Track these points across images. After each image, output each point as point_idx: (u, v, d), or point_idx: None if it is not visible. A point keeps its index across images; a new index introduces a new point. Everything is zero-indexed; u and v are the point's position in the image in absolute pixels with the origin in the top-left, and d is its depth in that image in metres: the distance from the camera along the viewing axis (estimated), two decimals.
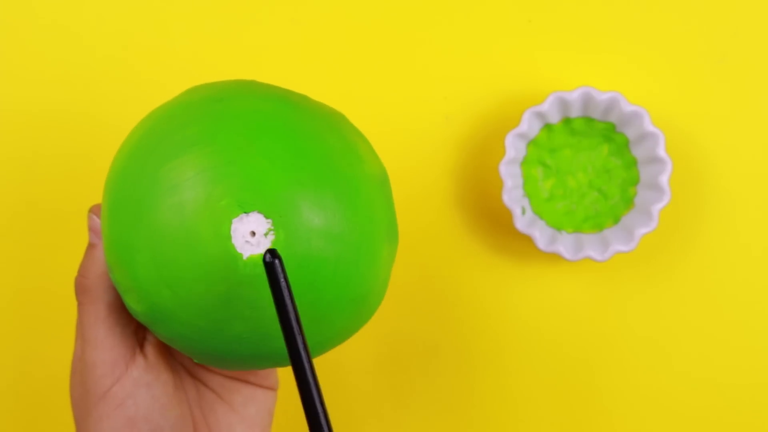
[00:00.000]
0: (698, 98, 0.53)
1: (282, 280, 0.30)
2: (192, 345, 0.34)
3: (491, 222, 0.54)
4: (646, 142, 0.50)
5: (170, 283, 0.32)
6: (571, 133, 0.52)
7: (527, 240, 0.54)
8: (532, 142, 0.52)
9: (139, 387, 0.36)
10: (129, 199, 0.33)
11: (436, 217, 0.54)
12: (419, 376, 0.54)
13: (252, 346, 0.34)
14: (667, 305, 0.53)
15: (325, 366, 0.54)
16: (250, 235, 0.32)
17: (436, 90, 0.54)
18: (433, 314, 0.54)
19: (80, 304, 0.37)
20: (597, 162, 0.52)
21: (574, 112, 0.51)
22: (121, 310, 0.37)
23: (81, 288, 0.37)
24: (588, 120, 0.51)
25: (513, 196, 0.50)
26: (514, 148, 0.50)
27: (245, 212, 0.32)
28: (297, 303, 0.33)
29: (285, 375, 0.54)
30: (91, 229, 0.37)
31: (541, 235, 0.50)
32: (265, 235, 0.32)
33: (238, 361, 0.35)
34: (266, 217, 0.32)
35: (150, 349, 0.37)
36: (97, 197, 0.54)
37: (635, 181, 0.52)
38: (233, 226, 0.32)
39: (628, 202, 0.52)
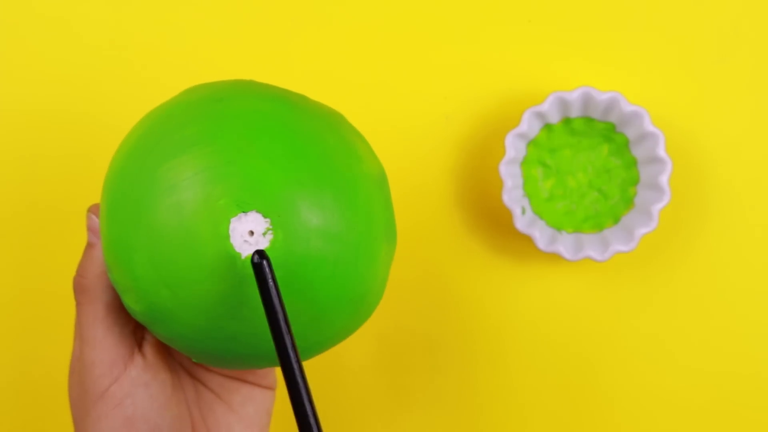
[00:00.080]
0: (698, 98, 0.53)
1: (270, 280, 0.30)
2: (190, 344, 0.34)
3: (491, 222, 0.54)
4: (646, 142, 0.50)
5: (169, 282, 0.32)
6: (571, 133, 0.52)
7: (527, 240, 0.54)
8: (532, 142, 0.52)
9: (138, 387, 0.36)
10: (128, 199, 0.33)
11: (436, 217, 0.54)
12: (418, 375, 0.54)
13: (250, 345, 0.33)
14: (667, 305, 0.53)
15: (323, 365, 0.54)
16: (249, 235, 0.32)
17: (436, 90, 0.54)
18: (433, 314, 0.54)
19: (79, 304, 0.37)
20: (597, 162, 0.52)
21: (574, 112, 0.51)
22: (119, 310, 0.37)
23: (79, 288, 0.37)
24: (588, 120, 0.51)
25: (513, 196, 0.50)
26: (514, 148, 0.50)
27: (244, 212, 0.32)
28: (296, 302, 0.33)
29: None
30: (90, 229, 0.37)
31: (541, 235, 0.50)
32: (264, 234, 0.32)
33: (237, 361, 0.35)
34: (265, 216, 0.32)
35: (148, 349, 0.37)
36: (96, 197, 0.54)
37: (635, 181, 0.52)
38: (232, 226, 0.32)
39: (628, 202, 0.52)
